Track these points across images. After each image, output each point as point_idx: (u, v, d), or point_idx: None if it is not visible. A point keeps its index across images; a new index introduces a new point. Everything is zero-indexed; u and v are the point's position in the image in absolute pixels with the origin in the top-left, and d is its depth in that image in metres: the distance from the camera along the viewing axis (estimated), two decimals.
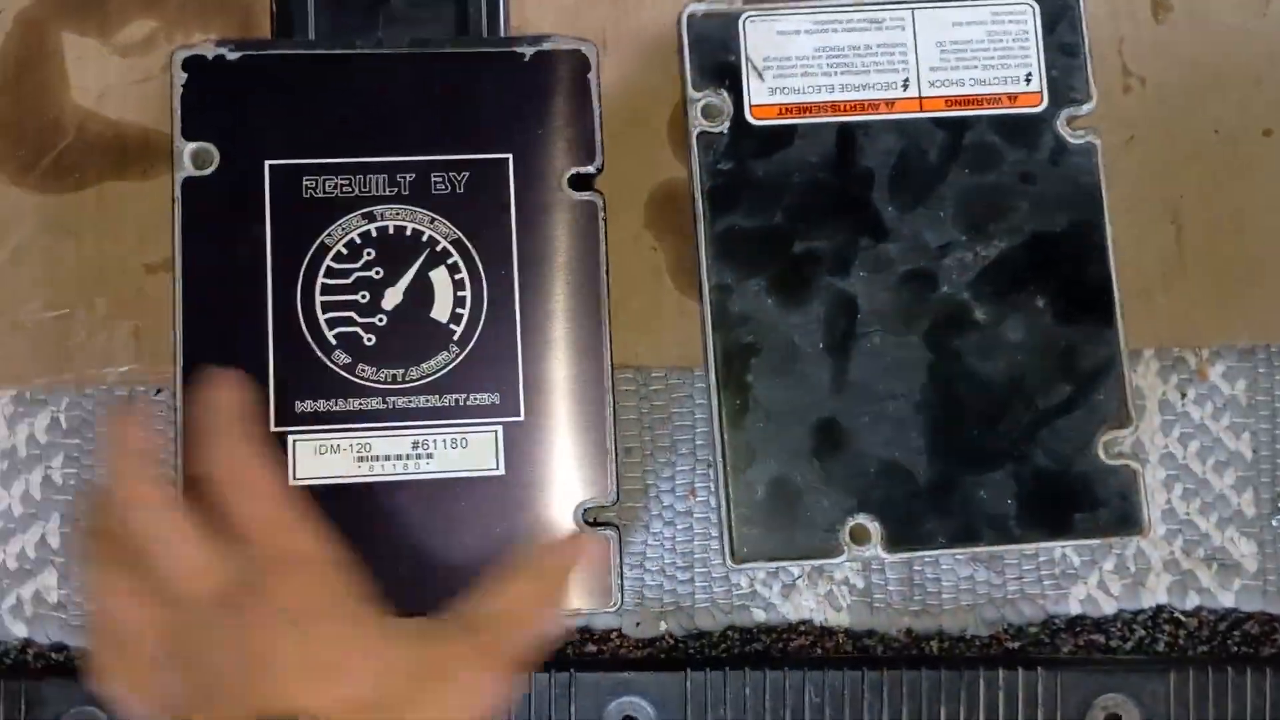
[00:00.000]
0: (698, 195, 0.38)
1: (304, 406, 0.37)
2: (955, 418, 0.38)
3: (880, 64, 0.39)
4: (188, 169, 0.38)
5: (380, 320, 0.38)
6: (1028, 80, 0.40)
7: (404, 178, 0.38)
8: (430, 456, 0.38)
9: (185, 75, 0.38)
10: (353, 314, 0.38)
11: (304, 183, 0.38)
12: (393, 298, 0.38)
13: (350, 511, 0.37)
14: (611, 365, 0.38)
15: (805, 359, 0.38)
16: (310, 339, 0.38)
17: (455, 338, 0.38)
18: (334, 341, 0.38)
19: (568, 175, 0.39)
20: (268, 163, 0.38)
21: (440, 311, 0.38)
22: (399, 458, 0.37)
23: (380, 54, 0.39)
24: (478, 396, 0.38)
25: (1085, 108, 0.39)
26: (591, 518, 0.38)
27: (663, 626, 0.44)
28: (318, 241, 0.38)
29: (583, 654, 0.44)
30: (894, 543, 0.37)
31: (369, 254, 0.38)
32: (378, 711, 0.30)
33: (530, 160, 0.39)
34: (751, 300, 0.38)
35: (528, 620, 0.34)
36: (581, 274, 0.38)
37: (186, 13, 0.44)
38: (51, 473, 0.43)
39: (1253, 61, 0.45)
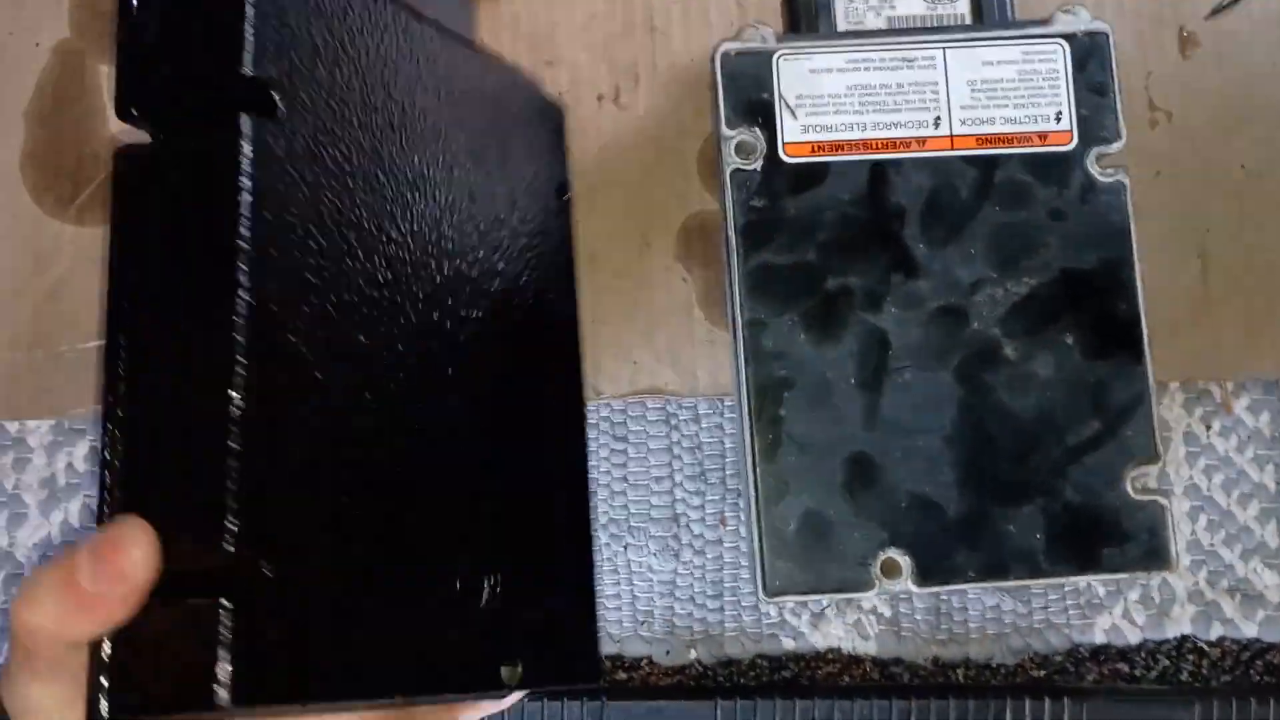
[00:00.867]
0: (731, 232, 0.39)
1: None
2: (986, 453, 0.38)
3: (912, 102, 0.40)
4: None
5: None
6: (1058, 119, 0.40)
7: None
8: None
9: None
10: None
11: None
12: None
13: None
14: None
15: (837, 394, 0.38)
16: None
17: None
18: None
19: None
20: None
21: None
22: None
23: None
24: None
25: (1115, 146, 0.40)
26: None
27: (692, 654, 0.44)
28: None
29: (613, 681, 0.44)
30: (924, 576, 0.38)
31: None
32: None
33: None
34: (784, 336, 0.38)
35: None
36: None
37: None
38: (90, 501, 0.44)
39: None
